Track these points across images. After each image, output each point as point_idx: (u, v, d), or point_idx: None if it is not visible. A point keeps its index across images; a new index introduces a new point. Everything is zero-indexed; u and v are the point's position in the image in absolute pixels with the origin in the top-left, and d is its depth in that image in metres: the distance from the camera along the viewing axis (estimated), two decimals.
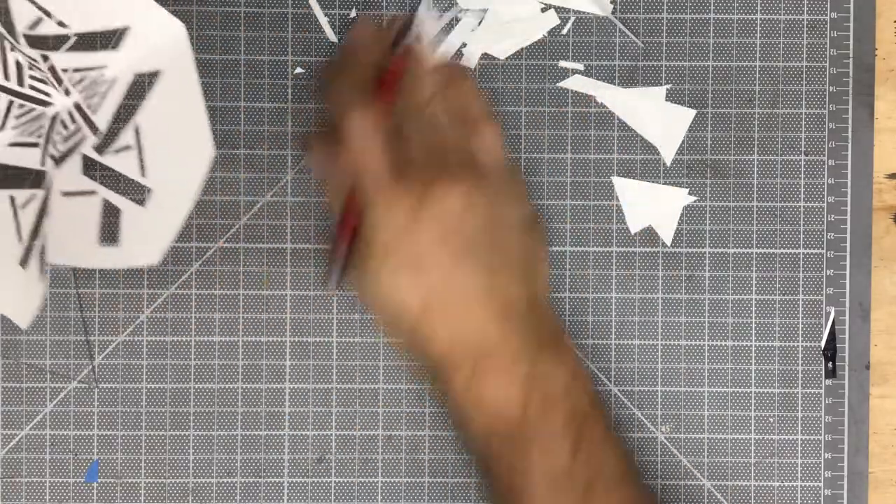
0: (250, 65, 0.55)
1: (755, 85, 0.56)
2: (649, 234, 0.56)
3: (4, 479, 0.55)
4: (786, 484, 0.56)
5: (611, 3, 0.55)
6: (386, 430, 0.55)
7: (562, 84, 0.56)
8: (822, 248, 0.56)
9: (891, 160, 0.57)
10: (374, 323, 0.50)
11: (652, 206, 0.56)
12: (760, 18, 0.56)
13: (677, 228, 0.56)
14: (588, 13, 0.56)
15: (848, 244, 0.56)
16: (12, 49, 0.48)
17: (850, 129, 0.56)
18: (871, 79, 0.56)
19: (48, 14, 0.47)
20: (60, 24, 0.48)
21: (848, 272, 0.56)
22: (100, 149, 0.51)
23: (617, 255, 0.56)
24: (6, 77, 0.48)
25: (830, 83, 0.56)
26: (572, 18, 0.55)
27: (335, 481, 0.55)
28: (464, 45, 0.55)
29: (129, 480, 0.55)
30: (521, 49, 0.55)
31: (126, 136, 0.51)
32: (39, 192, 0.50)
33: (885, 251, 0.56)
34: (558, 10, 0.55)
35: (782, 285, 0.56)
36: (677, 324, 0.56)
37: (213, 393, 0.55)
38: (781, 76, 0.56)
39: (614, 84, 0.56)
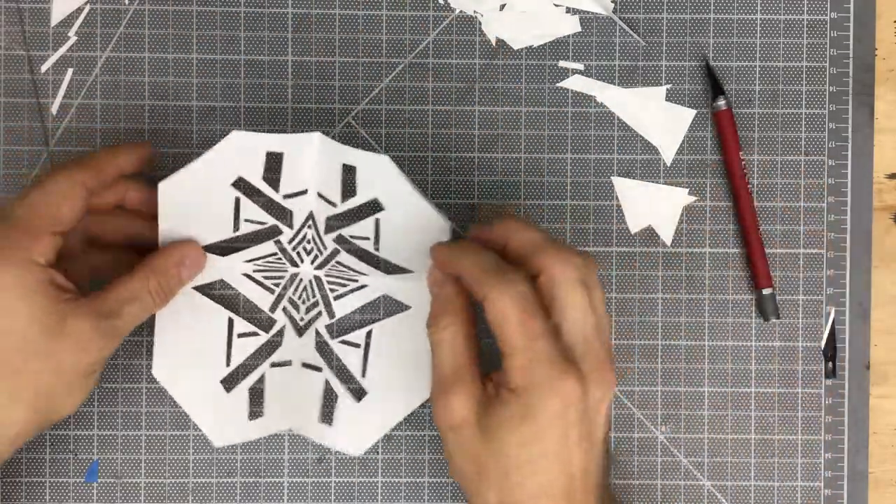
0: (250, 65, 0.55)
1: (755, 85, 0.56)
2: (649, 234, 0.56)
3: (4, 479, 0.55)
4: (786, 484, 0.56)
5: (611, 2, 0.56)
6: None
7: (562, 84, 0.56)
8: (822, 248, 0.56)
9: (891, 160, 0.57)
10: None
11: (652, 206, 0.56)
12: (760, 18, 0.56)
13: (677, 228, 0.56)
14: (588, 13, 0.56)
15: (848, 244, 0.56)
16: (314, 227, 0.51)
17: (850, 129, 0.56)
18: (871, 79, 0.56)
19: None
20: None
21: (848, 272, 0.56)
22: (332, 332, 0.54)
23: (617, 255, 0.56)
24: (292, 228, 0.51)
25: (830, 83, 0.56)
26: (576, 21, 0.56)
27: (335, 481, 0.55)
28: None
29: (129, 480, 0.55)
30: (522, 49, 0.56)
31: (358, 335, 0.54)
32: (261, 333, 0.54)
33: (885, 251, 0.56)
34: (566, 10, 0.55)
35: (782, 285, 0.56)
36: (677, 324, 0.56)
37: None
38: (781, 76, 0.56)
39: (614, 84, 0.56)
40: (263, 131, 0.55)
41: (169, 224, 0.51)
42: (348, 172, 0.49)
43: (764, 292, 0.55)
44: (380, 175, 0.49)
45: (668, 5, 0.56)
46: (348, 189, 0.49)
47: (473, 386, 0.45)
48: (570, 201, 0.56)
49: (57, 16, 0.55)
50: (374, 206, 0.50)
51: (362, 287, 0.54)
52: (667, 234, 0.56)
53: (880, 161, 0.56)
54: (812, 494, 0.56)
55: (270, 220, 0.51)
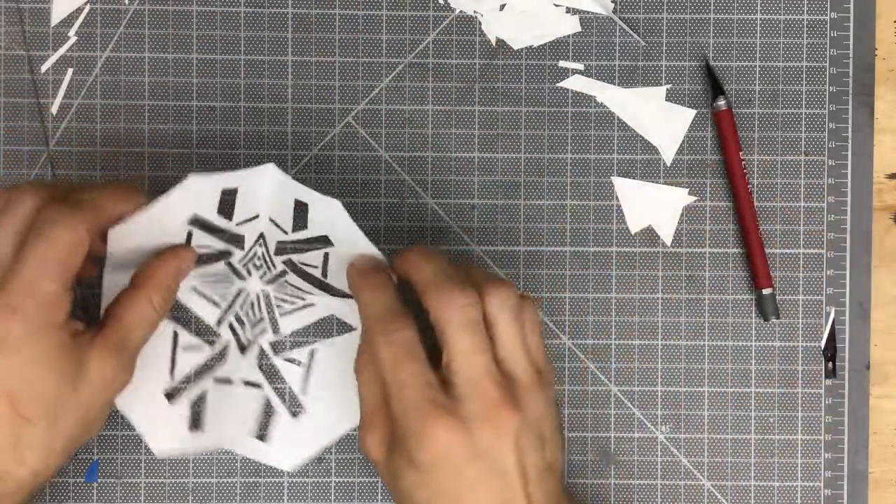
0: (250, 65, 0.55)
1: (755, 85, 0.56)
2: (649, 234, 0.56)
3: None
4: (786, 484, 0.56)
5: (611, 2, 0.56)
6: None
7: (562, 84, 0.56)
8: (822, 248, 0.56)
9: (891, 160, 0.57)
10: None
11: (652, 206, 0.56)
12: (760, 18, 0.56)
13: (677, 228, 0.56)
14: (588, 13, 0.56)
15: (848, 244, 0.56)
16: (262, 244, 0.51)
17: (850, 129, 0.56)
18: (871, 79, 0.56)
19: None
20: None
21: (848, 272, 0.56)
22: (275, 348, 0.54)
23: (617, 255, 0.56)
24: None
25: (830, 83, 0.56)
26: (576, 21, 0.56)
27: (335, 481, 0.55)
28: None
29: (129, 480, 0.55)
30: (522, 49, 0.56)
31: (301, 352, 0.54)
32: (206, 347, 0.54)
33: (885, 251, 0.56)
34: (566, 9, 0.55)
35: (782, 285, 0.56)
36: (677, 324, 0.56)
37: None
38: (781, 76, 0.56)
39: (614, 84, 0.56)
40: (263, 131, 0.55)
41: (114, 272, 0.49)
42: (300, 208, 0.48)
43: (764, 292, 0.55)
44: (331, 218, 0.48)
45: (668, 5, 0.56)
46: (299, 223, 0.48)
47: (384, 429, 0.46)
48: (570, 201, 0.56)
49: (57, 16, 0.55)
50: (323, 241, 0.49)
51: (310, 305, 0.53)
52: (667, 234, 0.56)
53: (880, 161, 0.56)
54: (812, 494, 0.56)
55: (222, 245, 0.50)
